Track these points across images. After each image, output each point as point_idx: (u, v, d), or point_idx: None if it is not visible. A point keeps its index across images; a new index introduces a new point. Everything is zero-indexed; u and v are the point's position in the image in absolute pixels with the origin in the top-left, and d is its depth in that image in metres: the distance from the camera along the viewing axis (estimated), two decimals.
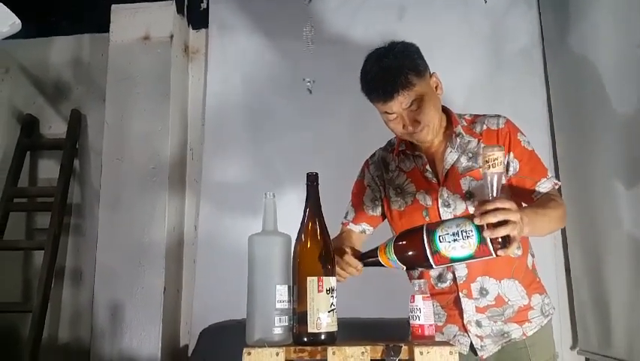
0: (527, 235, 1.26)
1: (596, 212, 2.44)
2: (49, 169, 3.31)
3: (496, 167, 1.23)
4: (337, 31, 3.03)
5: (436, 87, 1.62)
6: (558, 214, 1.53)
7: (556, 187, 1.61)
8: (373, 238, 1.74)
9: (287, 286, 1.26)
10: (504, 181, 1.53)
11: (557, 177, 2.73)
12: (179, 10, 3.20)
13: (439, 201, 1.63)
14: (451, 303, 1.65)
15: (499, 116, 1.67)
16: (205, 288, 2.88)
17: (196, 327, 2.73)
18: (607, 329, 2.37)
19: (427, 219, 1.63)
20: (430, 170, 1.66)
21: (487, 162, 1.23)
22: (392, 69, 1.53)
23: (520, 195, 1.59)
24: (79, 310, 3.11)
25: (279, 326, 1.22)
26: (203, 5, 3.31)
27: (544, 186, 1.59)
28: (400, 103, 1.53)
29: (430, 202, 1.64)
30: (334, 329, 1.23)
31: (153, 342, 2.74)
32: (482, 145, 1.60)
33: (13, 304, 3.07)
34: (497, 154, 1.23)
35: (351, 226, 1.77)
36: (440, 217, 1.61)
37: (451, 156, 1.64)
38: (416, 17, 2.97)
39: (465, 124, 1.67)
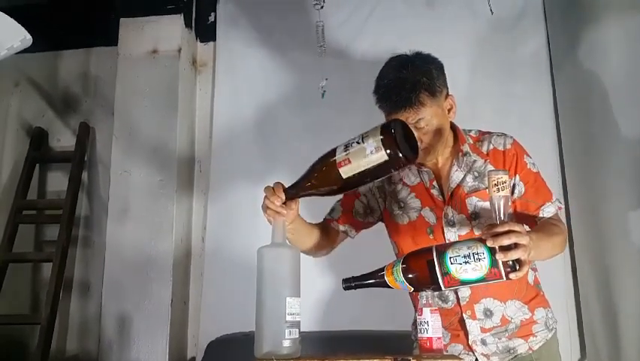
0: (530, 258, 1.27)
1: (604, 223, 2.42)
2: (57, 182, 3.32)
3: (504, 190, 1.24)
4: (345, 44, 3.03)
5: (449, 110, 1.59)
6: (560, 240, 1.54)
7: (560, 210, 1.60)
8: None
9: (297, 298, 1.26)
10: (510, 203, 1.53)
11: (564, 186, 2.72)
12: (187, 24, 3.22)
13: (444, 220, 1.59)
14: (455, 324, 1.62)
15: (505, 135, 1.64)
16: (212, 300, 2.87)
17: (203, 340, 2.72)
18: (616, 342, 2.35)
19: (432, 237, 1.60)
20: (436, 187, 1.63)
21: (495, 185, 1.24)
22: (407, 82, 1.49)
23: (524, 218, 1.58)
24: (87, 322, 3.10)
25: (288, 339, 1.21)
26: (211, 18, 3.32)
27: (548, 210, 1.58)
28: (405, 117, 1.48)
29: (434, 220, 1.61)
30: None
31: (160, 354, 2.74)
32: (489, 166, 1.58)
33: (21, 316, 3.07)
34: (504, 177, 1.25)
35: (334, 225, 1.71)
36: (444, 236, 1.59)
37: (456, 175, 1.60)
38: (424, 28, 2.96)
39: (471, 142, 1.64)
